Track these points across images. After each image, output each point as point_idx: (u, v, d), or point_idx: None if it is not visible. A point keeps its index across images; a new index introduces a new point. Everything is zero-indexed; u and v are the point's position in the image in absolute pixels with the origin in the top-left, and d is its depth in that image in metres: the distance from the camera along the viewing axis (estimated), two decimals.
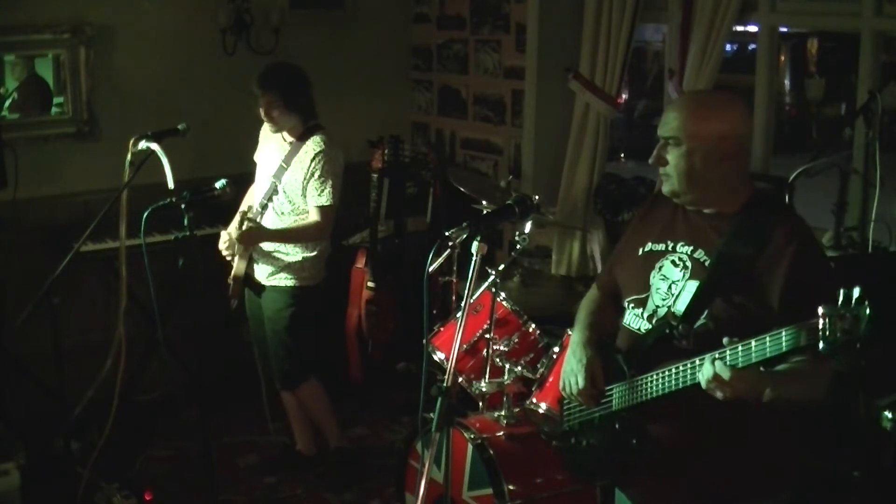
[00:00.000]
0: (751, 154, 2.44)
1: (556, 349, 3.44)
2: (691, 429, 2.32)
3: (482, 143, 5.56)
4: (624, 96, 5.82)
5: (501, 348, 3.54)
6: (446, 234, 2.42)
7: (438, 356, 3.67)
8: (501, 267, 3.64)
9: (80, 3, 4.67)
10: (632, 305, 2.47)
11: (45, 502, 3.82)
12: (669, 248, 2.42)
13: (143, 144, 3.63)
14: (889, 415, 3.11)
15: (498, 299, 3.60)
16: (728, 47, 4.93)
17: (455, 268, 4.15)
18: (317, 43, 5.34)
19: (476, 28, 5.45)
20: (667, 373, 2.27)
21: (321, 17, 5.43)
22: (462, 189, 4.44)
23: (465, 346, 3.57)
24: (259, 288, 4.08)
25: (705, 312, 2.28)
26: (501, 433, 3.35)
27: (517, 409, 3.43)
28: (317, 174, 3.89)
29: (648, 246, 2.47)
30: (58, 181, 4.72)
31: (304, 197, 3.93)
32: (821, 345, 1.88)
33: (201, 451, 3.55)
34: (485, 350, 3.53)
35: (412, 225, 5.25)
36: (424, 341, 2.72)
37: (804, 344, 1.94)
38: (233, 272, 4.05)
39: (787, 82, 12.46)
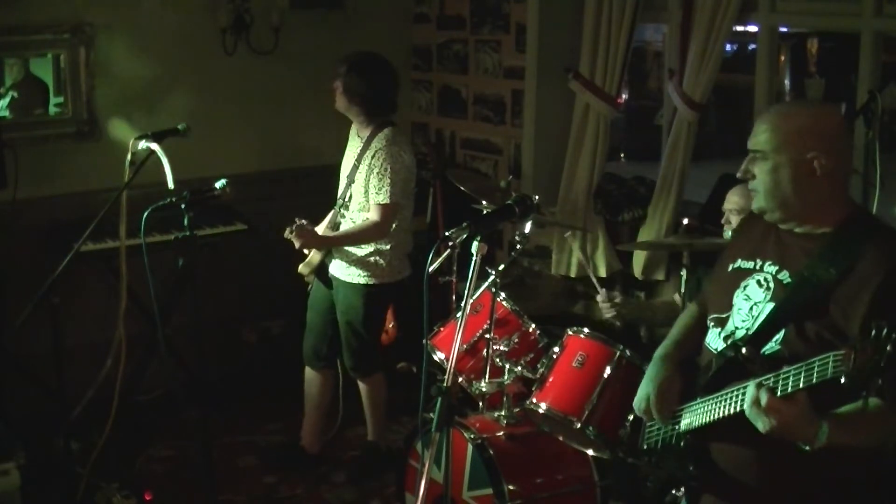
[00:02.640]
0: (850, 170, 2.30)
1: (556, 349, 3.44)
2: (751, 453, 2.23)
3: (482, 143, 5.56)
4: (624, 96, 5.82)
5: (501, 348, 3.54)
6: (446, 234, 2.41)
7: (438, 356, 3.67)
8: (501, 267, 3.64)
9: (80, 3, 4.67)
10: (713, 324, 2.39)
11: (45, 502, 3.81)
12: (757, 267, 2.31)
13: (143, 144, 3.63)
14: None
15: (498, 299, 3.60)
16: (728, 47, 4.94)
17: (455, 268, 4.15)
18: (317, 43, 5.34)
19: (476, 28, 5.45)
20: (723, 397, 2.19)
21: (321, 17, 5.43)
22: (462, 189, 4.44)
23: (465, 346, 3.57)
24: (331, 280, 4.10)
25: (778, 337, 2.18)
26: (501, 433, 3.35)
27: (517, 409, 3.43)
28: (376, 171, 3.86)
29: (738, 263, 2.37)
30: (58, 181, 4.72)
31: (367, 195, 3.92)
32: (843, 380, 1.84)
33: (201, 451, 3.55)
34: (485, 350, 3.53)
35: (412, 225, 5.24)
36: (424, 341, 2.72)
37: (831, 376, 1.87)
38: (303, 265, 4.09)
39: (787, 82, 12.46)
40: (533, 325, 3.64)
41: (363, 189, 3.92)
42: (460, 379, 3.60)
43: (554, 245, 5.06)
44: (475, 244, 2.37)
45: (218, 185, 3.51)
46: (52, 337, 3.63)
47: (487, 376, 3.51)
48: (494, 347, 3.52)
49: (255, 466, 4.37)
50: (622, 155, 11.04)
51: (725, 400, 2.19)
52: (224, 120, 5.07)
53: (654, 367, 2.49)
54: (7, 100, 4.67)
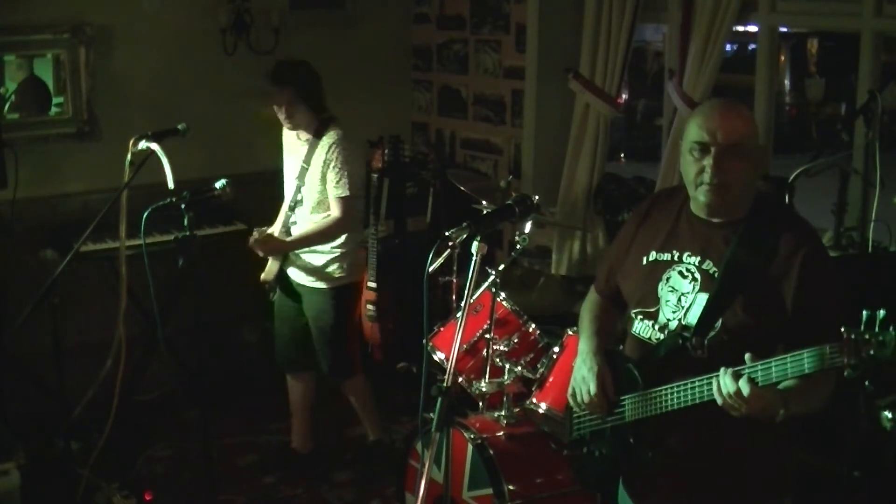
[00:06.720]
0: None
1: (556, 349, 3.44)
2: (703, 440, 2.29)
3: (482, 143, 5.56)
4: (624, 96, 5.82)
5: (501, 348, 3.54)
6: (446, 234, 2.41)
7: (438, 356, 3.67)
8: (501, 267, 3.64)
9: (80, 3, 4.67)
10: (640, 316, 2.42)
11: (45, 502, 3.81)
12: (676, 259, 2.36)
13: (143, 144, 3.63)
14: (889, 415, 3.11)
15: (498, 299, 3.60)
16: (728, 47, 4.93)
17: (455, 268, 4.15)
18: (317, 43, 5.34)
19: (476, 28, 5.45)
20: (685, 386, 2.24)
21: (321, 17, 5.43)
22: (462, 189, 4.44)
23: (465, 346, 3.57)
24: (294, 288, 4.12)
25: (718, 324, 2.25)
26: (501, 433, 3.35)
27: (517, 409, 3.43)
28: (332, 165, 3.88)
29: (653, 255, 2.41)
30: (58, 181, 4.72)
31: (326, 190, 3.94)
32: (846, 371, 1.90)
33: (201, 451, 3.55)
34: (485, 350, 3.53)
35: (412, 225, 5.24)
36: (424, 341, 2.71)
37: (827, 367, 1.94)
38: (264, 273, 4.09)
39: (787, 82, 12.47)
40: (533, 325, 3.64)
41: (319, 188, 3.93)
42: (460, 379, 3.60)
43: (554, 245, 5.06)
44: (475, 244, 2.36)
45: (218, 185, 3.52)
46: (52, 337, 3.63)
47: (487, 376, 3.51)
48: (494, 347, 3.52)
49: (254, 466, 4.37)
50: (622, 155, 11.04)
51: (688, 389, 2.23)
52: (224, 120, 5.07)
53: (587, 360, 2.50)
54: (9, 101, 4.68)
